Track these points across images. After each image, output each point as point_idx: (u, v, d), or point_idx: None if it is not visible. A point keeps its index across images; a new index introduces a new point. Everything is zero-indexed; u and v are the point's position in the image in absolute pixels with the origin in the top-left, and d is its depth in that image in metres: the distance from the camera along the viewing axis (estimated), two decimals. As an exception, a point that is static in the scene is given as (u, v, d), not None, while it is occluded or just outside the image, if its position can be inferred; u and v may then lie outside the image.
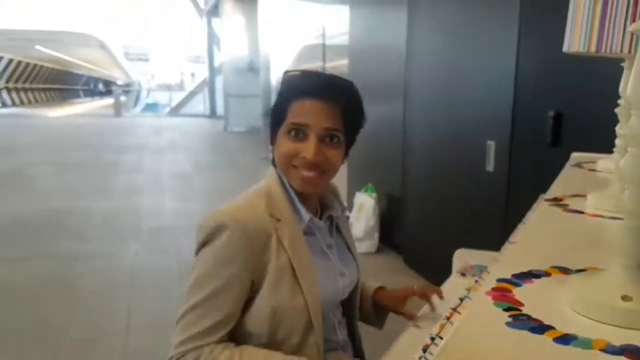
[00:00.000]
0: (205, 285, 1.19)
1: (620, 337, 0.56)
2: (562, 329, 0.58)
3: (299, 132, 1.21)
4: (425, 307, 1.46)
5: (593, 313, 0.61)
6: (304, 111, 1.21)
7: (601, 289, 0.63)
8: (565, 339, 0.56)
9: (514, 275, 0.73)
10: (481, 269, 1.74)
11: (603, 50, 0.97)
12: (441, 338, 0.83)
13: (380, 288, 1.54)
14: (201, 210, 6.11)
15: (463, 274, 1.73)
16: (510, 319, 0.60)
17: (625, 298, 0.60)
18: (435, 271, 3.52)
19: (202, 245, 1.22)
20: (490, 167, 3.18)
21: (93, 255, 4.54)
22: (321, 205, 1.37)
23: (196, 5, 21.30)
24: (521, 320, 0.60)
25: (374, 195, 4.68)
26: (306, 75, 1.28)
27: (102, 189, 7.26)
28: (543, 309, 0.62)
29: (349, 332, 1.43)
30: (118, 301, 3.64)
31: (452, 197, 3.66)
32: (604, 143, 1.82)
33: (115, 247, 4.80)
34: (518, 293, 0.67)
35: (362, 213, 4.62)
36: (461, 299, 1.36)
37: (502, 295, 0.66)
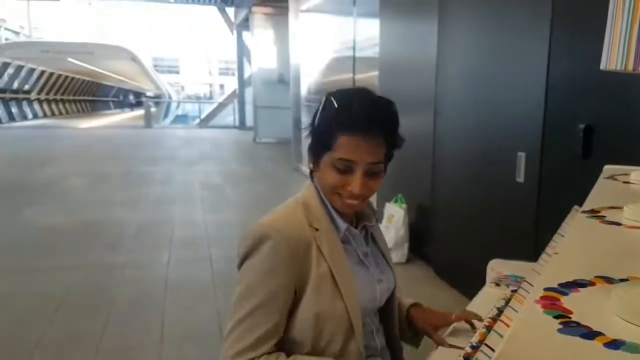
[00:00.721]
0: (253, 297, 1.24)
1: (666, 343, 0.59)
2: (611, 335, 0.61)
3: (346, 166, 1.26)
4: (456, 325, 1.48)
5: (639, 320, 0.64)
6: (351, 147, 1.25)
7: (646, 297, 0.66)
8: (614, 344, 0.59)
9: (560, 285, 0.76)
10: (515, 279, 1.75)
11: (641, 68, 0.99)
12: (487, 346, 0.85)
13: (414, 305, 1.57)
14: (233, 221, 6.20)
15: (497, 284, 1.74)
16: (561, 326, 0.63)
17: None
18: (465, 281, 3.55)
19: (246, 257, 1.28)
20: (520, 178, 3.18)
21: (127, 265, 4.62)
22: (356, 215, 1.42)
23: (227, 19, 21.58)
24: (571, 327, 0.63)
25: (404, 205, 4.70)
26: (352, 106, 1.27)
27: (135, 200, 7.37)
28: (591, 317, 0.65)
29: (387, 339, 1.47)
30: (152, 311, 3.69)
31: (482, 208, 3.66)
32: (636, 155, 1.83)
33: (149, 257, 4.88)
34: (566, 301, 0.70)
35: (392, 223, 4.64)
36: (499, 309, 1.39)
37: (551, 303, 0.70)
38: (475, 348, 1.20)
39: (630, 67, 1.01)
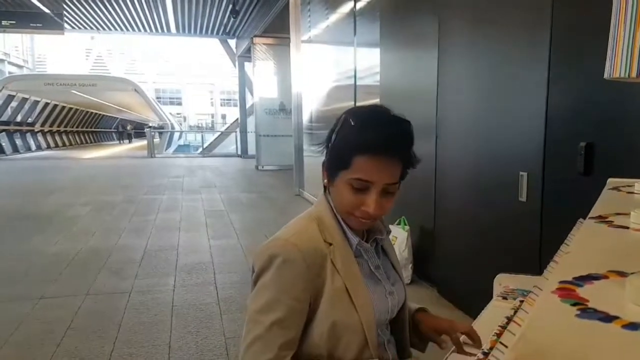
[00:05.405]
0: (271, 313, 1.24)
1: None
2: (628, 318, 0.63)
3: (362, 186, 1.27)
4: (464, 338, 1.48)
5: (654, 305, 0.66)
6: (368, 168, 1.25)
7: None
8: (633, 326, 0.61)
9: (574, 278, 0.78)
10: (523, 293, 1.76)
11: (645, 75, 1.02)
12: (502, 344, 0.87)
13: (419, 310, 1.59)
14: (238, 246, 6.19)
15: (504, 298, 1.75)
16: (578, 312, 0.65)
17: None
18: (470, 302, 3.54)
19: (262, 271, 1.28)
20: (523, 197, 3.20)
21: (132, 291, 4.61)
22: (366, 229, 1.43)
23: (229, 50, 21.91)
24: (589, 312, 0.65)
25: (407, 227, 4.71)
26: (370, 126, 1.27)
27: (140, 228, 7.38)
28: (607, 304, 0.68)
29: (398, 351, 1.47)
30: (158, 335, 3.68)
31: (485, 228, 3.68)
32: (636, 170, 1.85)
33: (155, 283, 4.87)
34: (581, 292, 0.73)
35: (395, 245, 4.65)
36: (508, 318, 1.39)
37: (567, 293, 0.72)
38: (486, 354, 1.20)
39: (634, 74, 1.04)
